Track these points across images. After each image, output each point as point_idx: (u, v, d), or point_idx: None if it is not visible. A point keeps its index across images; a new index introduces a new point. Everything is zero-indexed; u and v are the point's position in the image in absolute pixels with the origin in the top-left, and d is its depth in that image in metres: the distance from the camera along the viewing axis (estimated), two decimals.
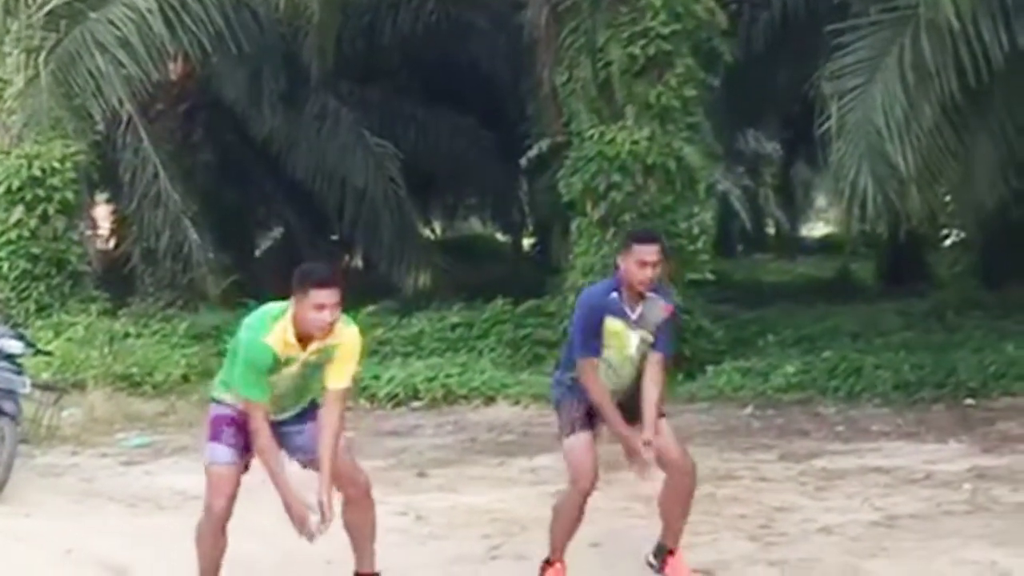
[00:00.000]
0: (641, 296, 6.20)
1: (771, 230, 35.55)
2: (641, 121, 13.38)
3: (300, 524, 5.81)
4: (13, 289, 15.52)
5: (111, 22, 14.92)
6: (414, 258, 18.74)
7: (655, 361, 6.38)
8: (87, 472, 9.89)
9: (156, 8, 14.73)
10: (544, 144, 14.76)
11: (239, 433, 5.86)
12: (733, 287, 17.40)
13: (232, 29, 15.18)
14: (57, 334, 14.48)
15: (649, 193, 13.27)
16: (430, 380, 12.91)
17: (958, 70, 11.26)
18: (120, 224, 19.33)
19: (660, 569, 6.70)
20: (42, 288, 15.51)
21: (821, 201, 37.37)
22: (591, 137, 13.45)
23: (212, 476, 5.96)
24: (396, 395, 12.75)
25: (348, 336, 5.76)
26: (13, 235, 15.46)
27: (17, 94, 15.42)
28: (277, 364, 5.65)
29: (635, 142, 13.22)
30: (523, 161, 15.50)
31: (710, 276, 13.53)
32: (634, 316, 6.22)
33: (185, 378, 13.84)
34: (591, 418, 6.50)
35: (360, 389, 12.64)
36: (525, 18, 14.97)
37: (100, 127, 15.75)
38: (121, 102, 15.27)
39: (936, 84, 11.39)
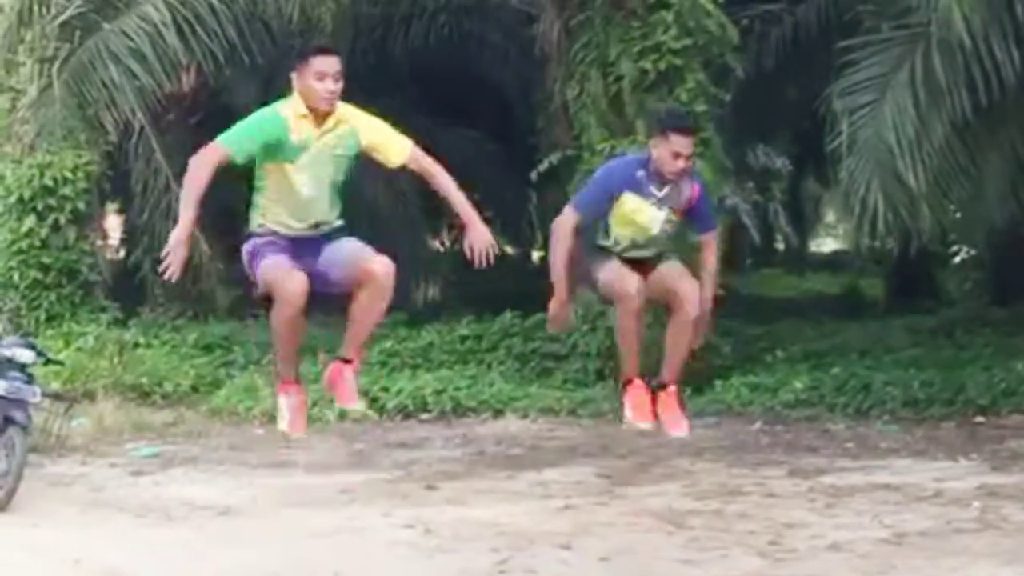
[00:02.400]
0: (669, 180, 6.13)
1: (780, 245, 35.54)
2: (652, 135, 13.38)
3: (173, 253, 5.69)
4: (23, 298, 15.54)
5: (125, 33, 14.96)
6: (423, 270, 18.74)
7: (705, 245, 6.34)
8: (96, 482, 9.91)
9: (170, 20, 14.77)
10: (554, 157, 14.76)
11: (275, 251, 5.73)
12: (742, 302, 17.38)
13: (245, 41, 15.21)
14: (67, 344, 14.49)
15: None
16: (439, 392, 12.91)
17: (969, 88, 11.26)
18: (131, 234, 19.35)
19: (652, 399, 6.71)
20: (52, 297, 15.53)
21: (830, 217, 37.33)
22: (601, 151, 13.45)
23: (274, 273, 5.73)
24: (405, 407, 12.75)
25: (357, 115, 5.72)
26: (24, 244, 15.48)
27: (30, 104, 15.46)
28: (292, 145, 5.52)
29: None
30: (533, 174, 15.50)
31: (719, 291, 13.50)
32: (660, 194, 6.13)
33: (194, 388, 13.86)
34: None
35: (369, 401, 12.66)
36: (536, 32, 14.98)
37: (112, 137, 15.77)
38: (134, 113, 15.31)
39: (947, 101, 11.39)
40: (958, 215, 14.41)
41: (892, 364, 13.19)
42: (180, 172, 16.56)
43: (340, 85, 5.50)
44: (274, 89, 17.57)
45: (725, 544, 7.48)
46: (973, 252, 18.38)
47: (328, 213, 5.88)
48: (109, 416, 12.20)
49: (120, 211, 20.75)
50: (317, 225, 5.82)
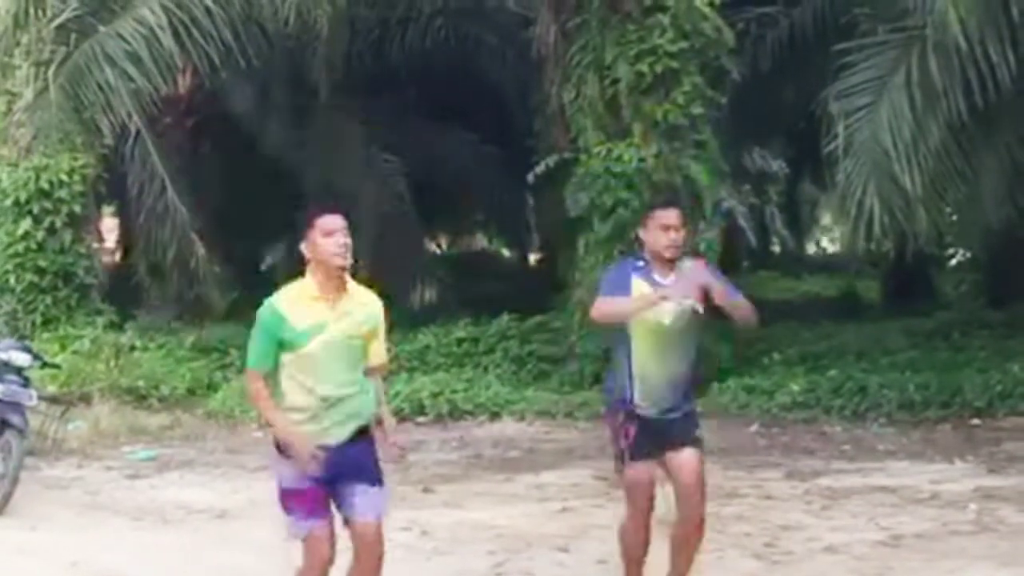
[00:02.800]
0: (671, 265, 5.99)
1: (776, 248, 35.54)
2: (648, 138, 13.41)
3: (303, 452, 5.46)
4: (20, 301, 15.53)
5: (121, 36, 14.96)
6: (420, 273, 18.75)
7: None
8: (92, 485, 9.90)
9: (166, 23, 14.78)
10: (551, 160, 14.78)
11: (307, 501, 5.64)
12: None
13: (241, 44, 15.21)
14: (63, 347, 14.49)
15: None
16: (436, 395, 12.91)
17: (965, 90, 11.27)
18: (127, 237, 19.35)
19: None
20: (49, 301, 15.52)
21: (827, 219, 37.35)
22: (598, 154, 13.48)
23: (306, 538, 5.68)
24: (402, 410, 12.73)
25: (374, 299, 5.65)
26: (20, 247, 15.48)
27: (26, 107, 15.45)
28: (300, 332, 5.42)
29: (642, 159, 13.26)
30: (530, 177, 15.51)
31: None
32: (666, 282, 5.97)
33: (191, 392, 13.87)
34: (644, 441, 6.17)
35: None
36: (533, 35, 15.00)
37: (108, 140, 15.76)
38: (130, 116, 15.30)
39: (943, 104, 11.41)
40: (954, 217, 14.42)
41: (888, 366, 13.20)
42: (176, 174, 16.75)
43: (349, 241, 5.50)
44: (270, 92, 17.70)
45: (721, 546, 7.47)
46: (969, 254, 18.38)
47: (348, 387, 5.62)
48: (105, 419, 12.19)
49: (116, 214, 20.74)
50: (340, 400, 5.59)
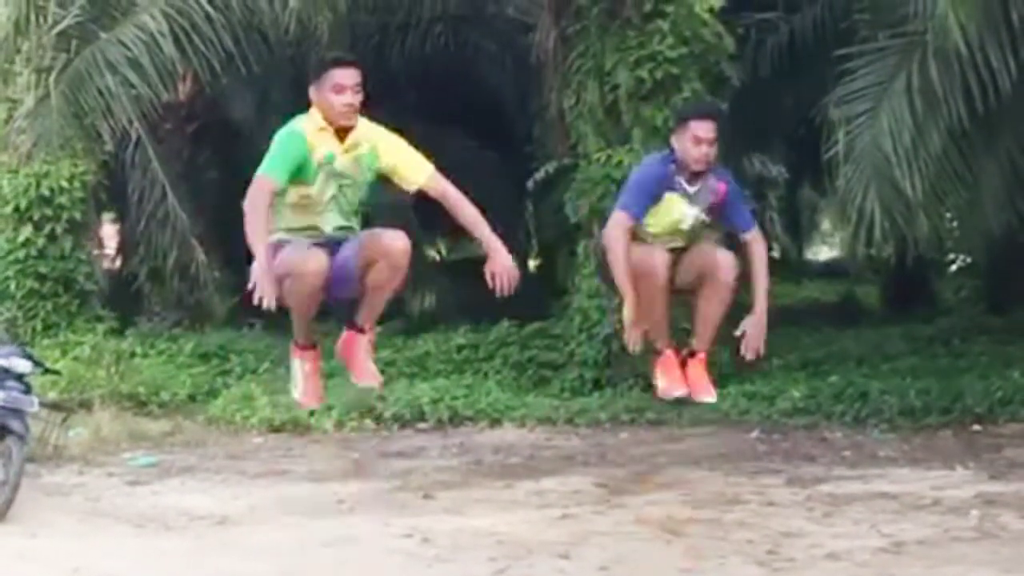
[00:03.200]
0: (698, 176, 5.99)
1: (776, 253, 35.52)
2: (648, 144, 13.37)
3: (262, 286, 5.31)
4: (20, 308, 15.53)
5: (121, 42, 14.96)
6: (419, 279, 18.72)
7: (748, 245, 6.21)
8: (93, 492, 9.90)
9: (167, 29, 14.78)
10: (551, 166, 14.78)
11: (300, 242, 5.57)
12: (738, 310, 17.38)
13: (242, 50, 15.21)
14: (64, 353, 14.49)
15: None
16: (436, 402, 12.91)
17: (966, 96, 11.27)
18: (127, 243, 19.34)
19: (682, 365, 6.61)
20: (49, 307, 15.52)
21: (826, 225, 37.33)
22: (598, 160, 13.48)
23: (292, 255, 5.54)
24: (402, 416, 12.75)
25: (377, 132, 5.57)
26: (21, 254, 15.48)
27: (27, 114, 15.45)
28: (312, 163, 5.39)
29: None
30: (529, 183, 15.51)
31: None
32: (691, 189, 6.01)
33: (191, 398, 13.87)
34: None
35: (366, 409, 12.66)
36: (533, 41, 15.01)
37: (109, 147, 15.77)
38: (130, 122, 15.31)
39: (944, 110, 11.40)
40: (955, 223, 14.42)
41: (889, 372, 13.19)
42: (176, 181, 16.76)
43: (359, 97, 5.39)
44: (271, 99, 17.70)
45: (723, 553, 7.48)
46: (970, 260, 18.36)
47: (349, 228, 5.77)
48: (106, 426, 12.19)
49: (116, 221, 20.71)
50: (329, 224, 5.69)
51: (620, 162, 13.30)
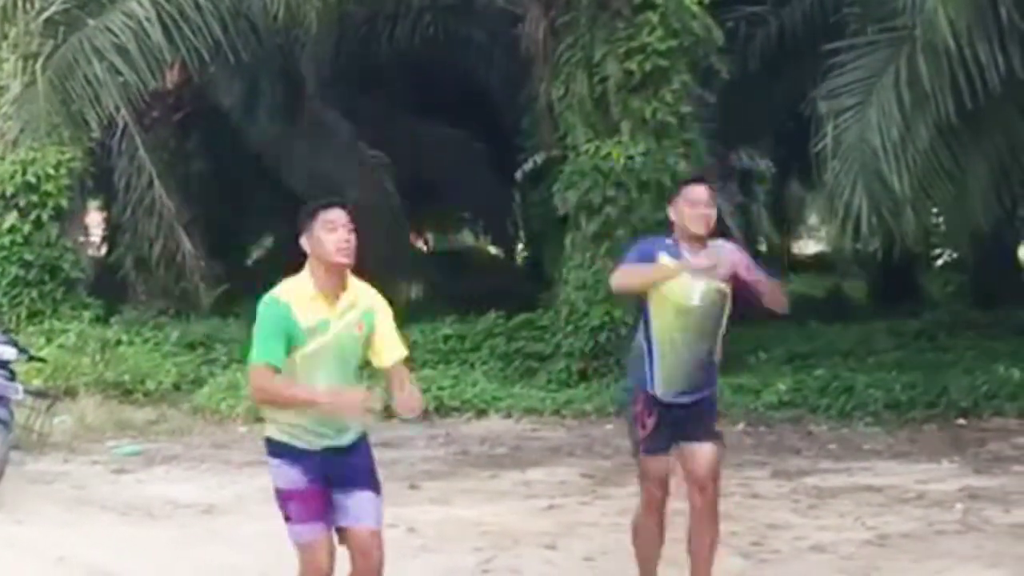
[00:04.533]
0: (702, 244, 5.79)
1: (763, 247, 35.56)
2: (636, 136, 13.42)
3: (354, 403, 5.17)
4: (5, 295, 15.51)
5: (109, 29, 14.91)
6: (407, 270, 18.73)
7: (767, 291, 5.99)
8: (78, 480, 9.88)
9: (155, 16, 14.73)
10: (539, 158, 14.80)
11: (307, 504, 5.35)
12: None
13: (230, 38, 15.18)
14: (49, 340, 14.47)
15: (643, 208, 13.28)
16: (422, 392, 12.82)
17: (954, 91, 11.28)
18: (113, 231, 19.31)
19: None
20: (34, 294, 15.50)
21: (814, 219, 37.39)
22: (586, 152, 13.48)
23: (308, 542, 5.35)
24: (387, 406, 12.69)
25: (374, 295, 5.34)
26: (6, 241, 15.45)
27: (14, 100, 15.43)
28: (303, 331, 5.12)
29: (630, 157, 13.26)
30: (518, 174, 15.54)
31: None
32: (692, 259, 5.83)
33: (176, 386, 13.84)
34: (664, 431, 5.98)
35: None
36: (522, 32, 14.99)
37: (96, 134, 15.73)
38: (117, 109, 15.27)
39: (932, 105, 11.41)
40: (941, 218, 14.46)
41: (875, 366, 13.23)
42: (163, 169, 16.71)
43: (353, 236, 5.25)
44: (259, 87, 17.67)
45: None
46: (956, 255, 18.44)
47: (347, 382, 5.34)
48: (91, 414, 12.17)
49: (102, 208, 20.69)
50: (339, 430, 5.34)
51: (608, 154, 13.30)
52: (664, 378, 5.93)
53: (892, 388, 12.28)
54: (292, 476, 5.30)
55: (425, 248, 29.41)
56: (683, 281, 5.79)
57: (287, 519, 5.36)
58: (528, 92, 15.55)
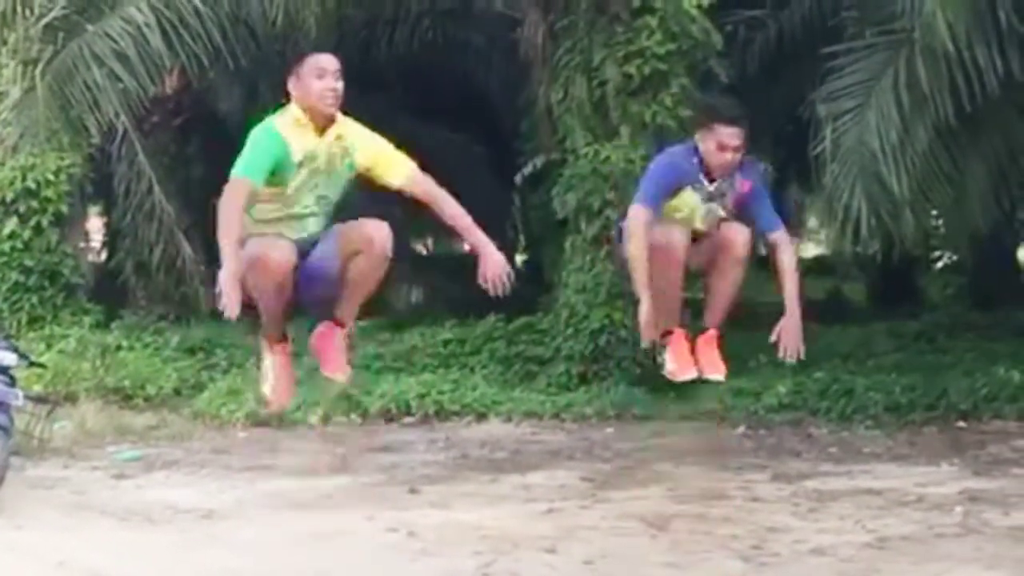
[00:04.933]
0: (719, 176, 5.87)
1: (763, 250, 35.55)
2: (636, 140, 13.42)
3: (227, 294, 5.13)
4: (5, 300, 15.46)
5: (108, 35, 14.92)
6: (406, 274, 18.72)
7: (774, 246, 6.03)
8: (78, 485, 9.88)
9: (154, 22, 14.74)
10: (538, 161, 14.79)
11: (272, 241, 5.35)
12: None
13: (229, 44, 15.20)
14: (49, 346, 14.45)
15: None
16: (422, 396, 12.90)
17: (953, 94, 11.30)
18: (113, 237, 19.30)
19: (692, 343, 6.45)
20: (35, 300, 15.46)
21: (813, 222, 37.40)
22: (586, 155, 13.49)
23: (258, 246, 5.32)
24: (388, 411, 12.74)
25: (359, 130, 5.42)
26: (6, 247, 15.42)
27: (13, 106, 15.39)
28: (291, 159, 5.22)
29: (629, 161, 13.26)
30: (517, 178, 15.53)
31: (701, 295, 13.53)
32: (711, 188, 5.87)
33: (177, 391, 13.83)
34: None
35: (352, 404, 12.65)
36: (521, 36, 15.00)
37: (95, 140, 15.72)
38: (117, 115, 15.26)
39: (931, 107, 11.44)
40: (940, 221, 14.47)
41: (875, 369, 13.23)
42: (163, 174, 16.71)
43: (341, 84, 5.27)
44: (258, 93, 17.68)
45: (708, 548, 7.49)
46: (955, 257, 18.44)
47: (320, 219, 5.57)
48: (91, 419, 12.16)
49: (102, 214, 20.68)
50: (306, 228, 5.50)
51: (608, 158, 13.31)
52: None
53: (892, 391, 12.28)
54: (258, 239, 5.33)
55: (425, 252, 29.39)
56: (696, 204, 5.94)
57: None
58: (527, 96, 15.55)
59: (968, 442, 11.04)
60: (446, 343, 14.60)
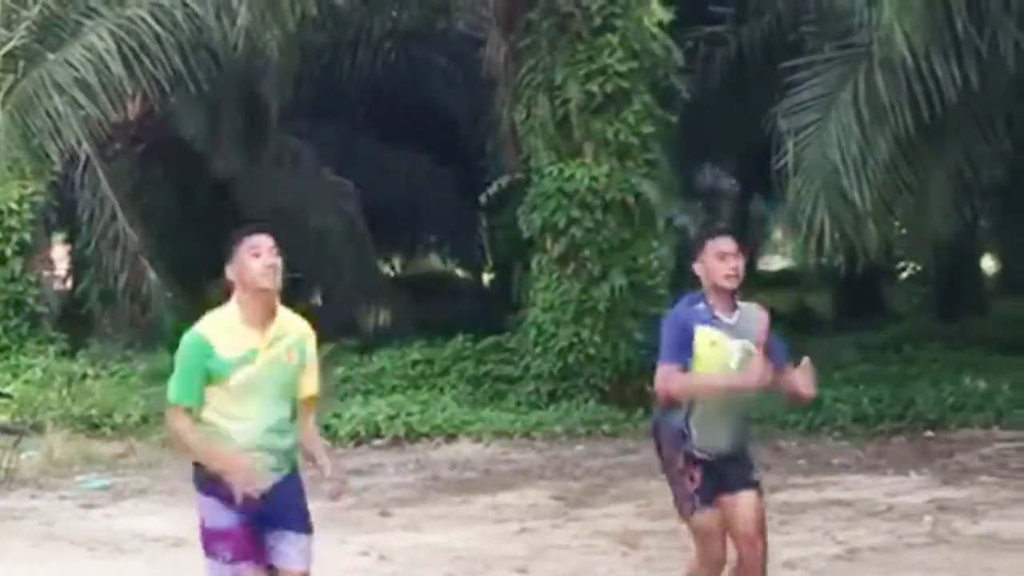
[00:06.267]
0: (732, 301, 5.69)
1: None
2: (599, 157, 13.46)
3: (241, 472, 5.07)
4: None
5: (69, 63, 14.89)
6: (374, 295, 18.71)
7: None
8: (46, 515, 9.80)
9: (115, 49, 14.72)
10: (503, 181, 14.82)
11: (238, 544, 5.23)
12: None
13: (190, 68, 15.19)
14: (15, 376, 14.36)
15: (608, 229, 13.34)
16: (391, 418, 12.87)
17: (912, 105, 11.40)
18: (77, 265, 19.20)
19: None
20: None
21: (777, 234, 37.58)
22: (550, 174, 13.51)
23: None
24: (357, 433, 12.70)
25: (303, 325, 5.19)
26: None
27: None
28: (226, 362, 5.05)
29: (594, 178, 13.30)
30: (482, 198, 15.55)
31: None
32: (731, 321, 5.69)
33: (144, 419, 13.72)
34: (710, 483, 5.89)
35: (321, 428, 12.59)
36: (483, 56, 15.04)
37: (58, 167, 15.66)
38: (79, 142, 15.22)
39: (891, 119, 11.53)
40: (903, 231, 14.56)
41: (842, 380, 13.28)
42: (126, 201, 16.60)
43: (278, 260, 5.17)
44: (219, 116, 17.65)
45: (680, 564, 7.44)
46: (919, 268, 18.55)
47: (285, 442, 5.27)
48: (59, 448, 12.06)
49: (67, 242, 20.57)
50: (268, 439, 5.21)
51: (572, 175, 13.34)
52: (703, 438, 5.82)
53: (859, 402, 12.34)
54: (224, 514, 5.20)
55: (392, 273, 29.36)
56: (725, 344, 5.69)
57: (213, 556, 5.22)
58: (491, 116, 15.59)
59: (936, 451, 11.10)
60: (415, 364, 14.59)
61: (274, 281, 5.13)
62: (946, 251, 14.69)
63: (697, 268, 5.74)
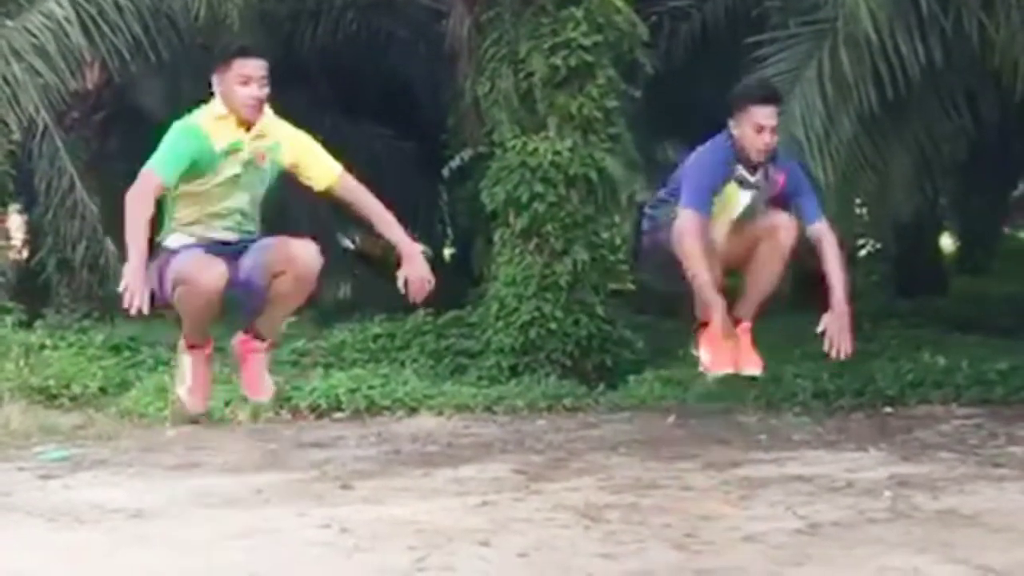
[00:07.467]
0: (758, 164, 5.70)
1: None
2: (563, 132, 13.44)
3: (130, 284, 5.21)
4: None
5: (27, 30, 14.67)
6: (334, 269, 18.58)
7: (816, 238, 5.88)
8: (4, 487, 9.70)
9: (74, 16, 14.53)
10: (465, 155, 14.78)
11: (198, 246, 5.27)
12: (654, 297, 17.48)
13: (151, 37, 15.04)
14: None
15: (571, 204, 13.34)
16: (352, 391, 12.84)
17: (876, 83, 11.43)
18: (35, 235, 19.03)
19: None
20: None
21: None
22: (513, 148, 13.49)
23: (189, 264, 5.27)
24: (318, 406, 12.67)
25: (285, 127, 5.33)
26: None
27: None
28: (214, 152, 5.14)
29: (557, 153, 13.28)
30: (444, 171, 15.49)
31: (631, 286, 13.62)
32: (753, 179, 5.69)
33: (103, 390, 13.64)
34: None
35: (282, 400, 12.56)
36: (446, 28, 14.97)
37: (15, 136, 15.46)
38: (37, 111, 15.02)
39: (855, 97, 11.55)
40: (865, 209, 14.62)
41: (802, 357, 13.30)
42: (84, 170, 16.45)
43: (266, 91, 5.15)
44: (180, 86, 17.48)
45: (642, 537, 7.50)
46: (879, 246, 18.64)
47: (250, 225, 5.50)
48: (16, 419, 11.97)
49: (23, 211, 20.36)
50: (239, 240, 5.43)
51: (535, 150, 13.32)
52: None
53: (819, 378, 12.40)
54: (177, 247, 5.31)
55: (352, 247, 29.27)
56: (739, 197, 5.67)
57: (164, 273, 5.31)
58: (453, 89, 15.53)
59: (895, 427, 11.18)
60: (376, 338, 14.55)
61: (257, 113, 5.11)
62: (906, 229, 14.76)
63: (732, 123, 5.64)
